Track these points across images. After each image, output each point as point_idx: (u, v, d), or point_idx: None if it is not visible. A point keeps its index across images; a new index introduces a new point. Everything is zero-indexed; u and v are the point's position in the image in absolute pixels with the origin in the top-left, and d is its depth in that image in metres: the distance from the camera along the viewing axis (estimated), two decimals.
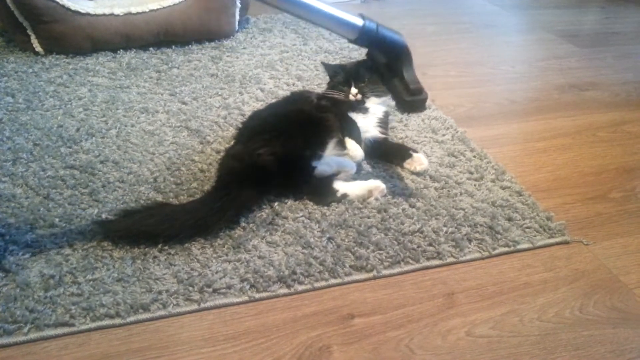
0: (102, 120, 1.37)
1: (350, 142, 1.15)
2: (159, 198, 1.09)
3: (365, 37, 0.98)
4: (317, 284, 0.92)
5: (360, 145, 1.16)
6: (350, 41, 1.00)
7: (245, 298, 0.88)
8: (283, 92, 1.54)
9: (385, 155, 1.25)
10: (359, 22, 0.97)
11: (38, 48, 1.73)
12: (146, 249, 0.95)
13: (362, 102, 1.23)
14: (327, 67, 1.34)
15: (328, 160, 1.12)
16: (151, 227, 0.96)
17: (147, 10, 1.77)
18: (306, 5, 0.95)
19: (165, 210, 1.02)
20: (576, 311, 0.89)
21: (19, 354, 0.78)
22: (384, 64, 1.03)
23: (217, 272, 0.91)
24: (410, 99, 1.01)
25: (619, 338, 0.85)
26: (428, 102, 1.53)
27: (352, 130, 1.17)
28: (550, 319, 0.88)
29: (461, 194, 1.15)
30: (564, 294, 0.93)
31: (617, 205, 1.17)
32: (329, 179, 1.12)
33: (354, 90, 1.22)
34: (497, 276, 0.96)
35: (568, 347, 0.83)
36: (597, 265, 0.99)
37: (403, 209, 1.08)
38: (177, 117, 1.41)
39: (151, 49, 1.82)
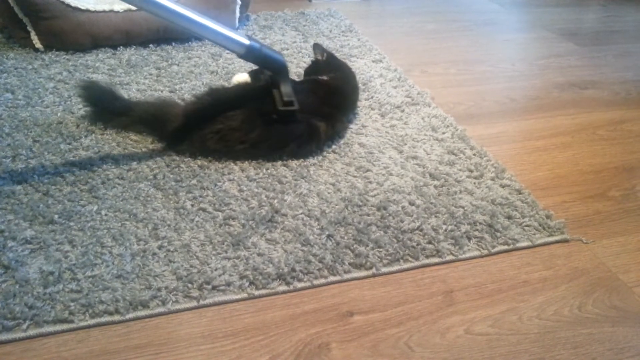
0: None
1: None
2: (159, 195, 1.09)
3: (250, 54, 1.20)
4: (316, 282, 0.92)
5: None
6: (239, 56, 1.22)
7: (245, 295, 0.88)
8: None
9: None
10: (246, 41, 1.18)
11: (38, 44, 1.72)
12: (145, 246, 0.95)
13: None
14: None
15: None
16: None
17: None
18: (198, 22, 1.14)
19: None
20: (575, 309, 0.89)
21: (18, 350, 0.78)
22: (270, 76, 1.27)
23: (216, 269, 0.91)
24: (282, 109, 1.20)
25: (618, 336, 0.85)
26: (428, 100, 1.54)
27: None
28: (550, 317, 0.88)
29: (461, 192, 1.15)
30: (563, 292, 0.93)
31: (616, 203, 1.17)
32: None
33: None
34: (497, 274, 0.96)
35: (567, 345, 0.83)
36: (597, 264, 0.99)
37: (403, 207, 1.08)
38: None
39: (151, 45, 1.82)
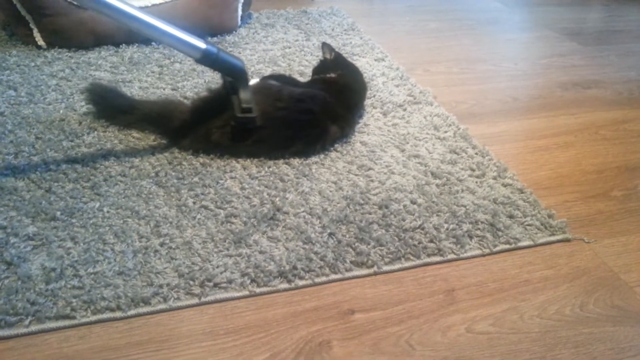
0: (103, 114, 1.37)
1: None
2: (161, 192, 1.09)
3: (207, 59, 1.14)
4: (317, 279, 0.92)
5: None
6: (196, 61, 1.16)
7: (246, 293, 0.89)
8: None
9: None
10: (202, 45, 1.12)
11: (40, 42, 1.72)
12: (147, 243, 0.95)
13: None
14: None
15: None
16: None
17: (149, 5, 1.76)
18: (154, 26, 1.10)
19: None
20: (576, 309, 0.89)
21: (20, 345, 0.78)
22: (229, 82, 1.21)
23: (218, 267, 0.92)
24: (241, 116, 1.18)
25: (619, 336, 0.85)
26: (430, 99, 1.54)
27: None
28: (551, 316, 0.88)
29: (462, 190, 1.15)
30: (564, 291, 0.93)
31: (618, 203, 1.17)
32: None
33: None
34: (498, 273, 0.96)
35: (568, 345, 0.83)
36: (598, 263, 0.99)
37: (404, 206, 1.08)
38: None
39: (153, 43, 1.82)
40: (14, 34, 1.82)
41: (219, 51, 1.15)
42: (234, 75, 1.19)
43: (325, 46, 1.51)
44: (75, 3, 1.67)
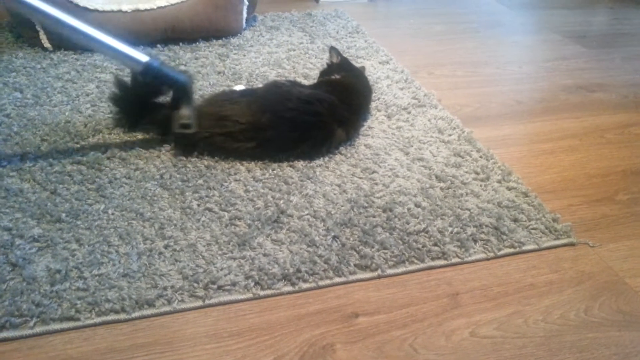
0: (109, 116, 1.37)
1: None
2: (165, 195, 1.09)
3: (148, 72, 1.14)
4: (321, 282, 0.92)
5: None
6: (138, 74, 1.17)
7: (250, 295, 0.89)
8: None
9: None
10: (143, 58, 1.12)
11: (46, 44, 1.73)
12: (152, 245, 0.96)
13: None
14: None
15: None
16: None
17: (155, 7, 1.77)
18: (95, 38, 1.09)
19: None
20: (581, 313, 0.89)
21: (24, 347, 0.79)
22: (174, 97, 1.22)
23: (222, 269, 0.92)
24: (178, 131, 1.18)
25: (624, 341, 0.85)
26: (434, 102, 1.54)
27: None
28: (555, 320, 0.87)
29: (467, 194, 1.14)
30: (569, 295, 0.92)
31: (623, 207, 1.16)
32: None
33: None
34: (502, 277, 0.96)
35: (573, 349, 0.83)
36: (603, 268, 0.99)
37: (408, 209, 1.08)
38: None
39: (158, 45, 1.83)
40: (20, 36, 1.83)
41: (162, 65, 1.15)
42: (176, 89, 1.19)
43: (332, 50, 1.51)
44: (80, 5, 1.68)
